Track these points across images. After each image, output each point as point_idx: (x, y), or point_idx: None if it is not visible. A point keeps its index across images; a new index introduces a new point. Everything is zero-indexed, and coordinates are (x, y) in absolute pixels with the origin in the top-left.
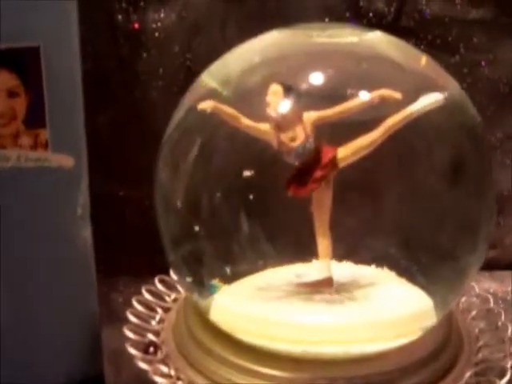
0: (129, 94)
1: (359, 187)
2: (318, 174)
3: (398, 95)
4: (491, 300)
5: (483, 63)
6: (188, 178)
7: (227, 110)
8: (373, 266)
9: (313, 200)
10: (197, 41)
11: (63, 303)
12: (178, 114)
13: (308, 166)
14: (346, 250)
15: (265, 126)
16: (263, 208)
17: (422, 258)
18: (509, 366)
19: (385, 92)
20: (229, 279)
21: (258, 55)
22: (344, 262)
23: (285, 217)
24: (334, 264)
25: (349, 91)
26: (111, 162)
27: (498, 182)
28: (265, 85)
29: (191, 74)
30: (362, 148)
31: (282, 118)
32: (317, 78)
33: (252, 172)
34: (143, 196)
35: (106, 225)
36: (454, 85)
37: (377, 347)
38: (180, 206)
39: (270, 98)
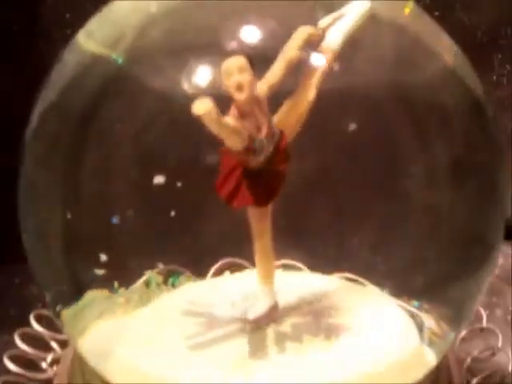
0: (29, 48)
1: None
2: (283, 167)
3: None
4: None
5: (458, 6)
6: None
7: (229, 122)
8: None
9: (250, 215)
10: None
11: None
12: (47, 98)
13: (269, 162)
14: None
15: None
16: None
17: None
18: None
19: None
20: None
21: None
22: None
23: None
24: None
25: None
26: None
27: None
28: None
29: None
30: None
31: (252, 102)
32: (246, 36)
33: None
34: None
35: None
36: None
37: None
38: None
39: (237, 76)
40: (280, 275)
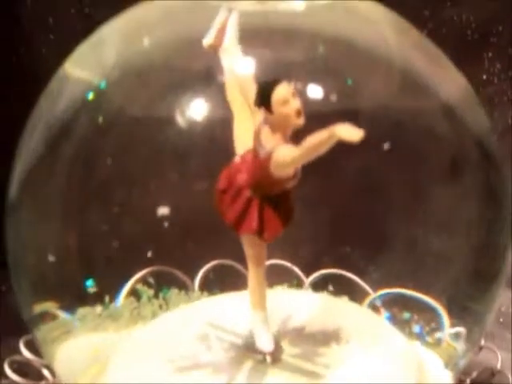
0: (9, 53)
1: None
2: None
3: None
4: None
5: (448, 4)
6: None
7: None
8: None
9: (247, 243)
10: None
11: None
12: (38, 130)
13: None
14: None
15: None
16: None
17: None
18: None
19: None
20: None
21: (153, 32)
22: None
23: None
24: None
25: None
26: None
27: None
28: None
29: (91, 23)
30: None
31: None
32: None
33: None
34: None
35: None
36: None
37: None
38: None
39: (295, 103)
40: (270, 295)
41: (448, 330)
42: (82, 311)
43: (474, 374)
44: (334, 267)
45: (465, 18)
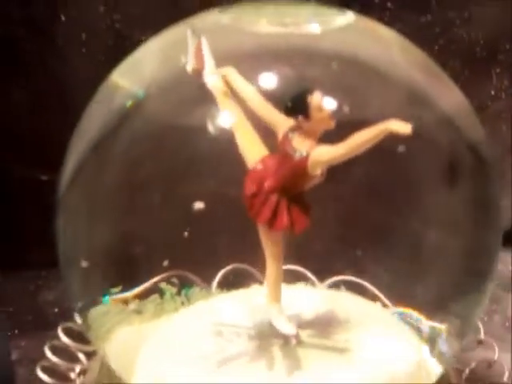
0: (45, 64)
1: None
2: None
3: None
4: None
5: (458, 22)
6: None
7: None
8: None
9: (267, 240)
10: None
11: None
12: (88, 125)
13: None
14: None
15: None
16: None
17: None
18: None
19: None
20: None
21: (181, 51)
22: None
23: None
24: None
25: None
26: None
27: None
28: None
29: (121, 38)
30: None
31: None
32: (265, 85)
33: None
34: None
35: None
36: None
37: None
38: None
39: (327, 109)
40: (284, 291)
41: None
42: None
43: (473, 365)
44: (346, 273)
45: (474, 36)
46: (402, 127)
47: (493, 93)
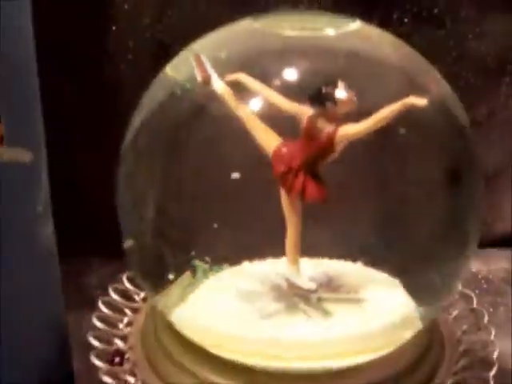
0: (96, 70)
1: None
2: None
3: (424, 101)
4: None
5: (470, 36)
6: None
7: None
8: (348, 262)
9: (288, 209)
10: (168, 13)
11: (28, 303)
12: (141, 113)
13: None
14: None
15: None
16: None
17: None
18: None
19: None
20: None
21: (224, 50)
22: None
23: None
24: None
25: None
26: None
27: (482, 159)
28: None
29: (163, 47)
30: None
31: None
32: (289, 78)
33: (239, 174)
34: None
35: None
36: (442, 86)
37: (361, 359)
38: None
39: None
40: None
41: None
42: None
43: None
44: None
45: (484, 48)
46: (419, 101)
47: (502, 100)
